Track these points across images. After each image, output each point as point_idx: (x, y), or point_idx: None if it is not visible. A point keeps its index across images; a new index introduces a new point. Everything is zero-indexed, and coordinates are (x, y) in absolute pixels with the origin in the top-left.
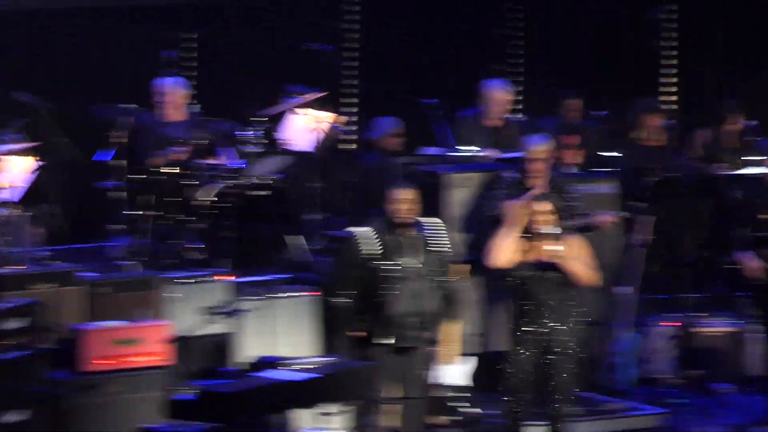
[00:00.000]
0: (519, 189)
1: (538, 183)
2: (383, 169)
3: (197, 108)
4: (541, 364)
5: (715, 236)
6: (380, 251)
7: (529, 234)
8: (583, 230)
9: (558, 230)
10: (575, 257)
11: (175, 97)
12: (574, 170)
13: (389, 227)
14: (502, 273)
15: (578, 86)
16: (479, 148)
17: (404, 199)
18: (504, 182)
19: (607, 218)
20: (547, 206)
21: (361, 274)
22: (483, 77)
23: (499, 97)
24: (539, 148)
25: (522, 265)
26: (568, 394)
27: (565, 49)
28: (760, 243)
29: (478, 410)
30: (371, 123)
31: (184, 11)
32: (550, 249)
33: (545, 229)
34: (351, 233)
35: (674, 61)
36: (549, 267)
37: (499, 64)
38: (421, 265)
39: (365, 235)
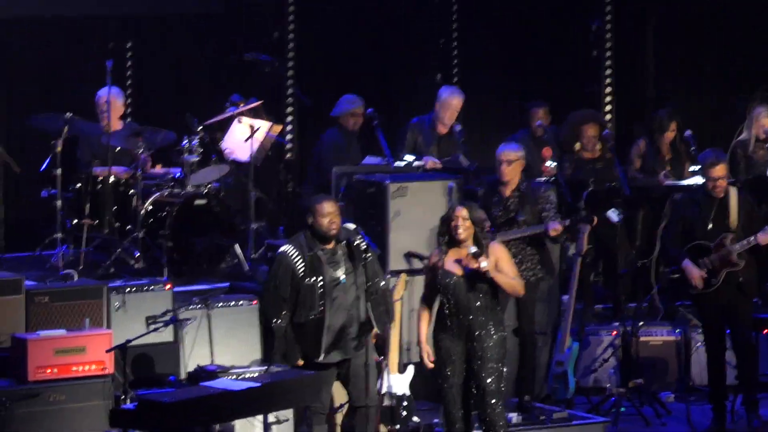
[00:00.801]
0: (489, 197)
1: (508, 189)
2: (338, 146)
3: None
4: (468, 372)
5: (653, 246)
6: (311, 267)
7: (456, 242)
8: (552, 239)
9: (473, 249)
10: (500, 268)
11: (116, 106)
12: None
13: (315, 242)
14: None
15: (512, 97)
16: (419, 157)
17: (330, 212)
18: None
19: (558, 227)
20: (464, 212)
21: (294, 290)
22: (417, 87)
23: (454, 103)
24: (511, 154)
25: (448, 273)
26: (498, 400)
27: (500, 58)
28: (700, 252)
29: (417, 419)
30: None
31: (120, 21)
32: (482, 265)
33: (471, 249)
34: (282, 251)
35: (609, 72)
36: (475, 275)
37: (435, 73)
38: (352, 276)
39: (294, 251)
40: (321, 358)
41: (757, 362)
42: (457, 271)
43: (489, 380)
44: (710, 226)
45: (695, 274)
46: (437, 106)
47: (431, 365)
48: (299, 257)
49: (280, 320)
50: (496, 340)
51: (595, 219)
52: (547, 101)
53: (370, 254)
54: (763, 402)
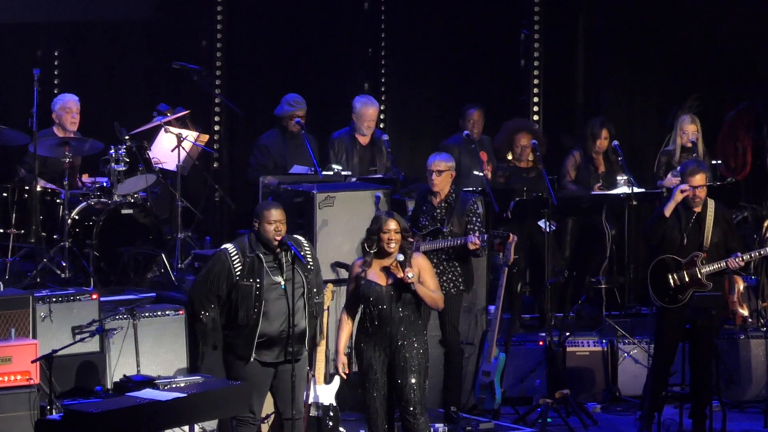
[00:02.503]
0: (420, 205)
1: (437, 199)
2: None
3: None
4: (390, 383)
5: (582, 256)
6: (250, 269)
7: (384, 254)
8: (471, 252)
9: (401, 257)
10: (422, 280)
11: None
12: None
13: (259, 245)
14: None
15: (440, 106)
16: (344, 167)
17: (276, 219)
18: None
19: (476, 241)
20: (394, 225)
21: (228, 290)
22: (345, 96)
23: (369, 112)
24: (441, 164)
25: (372, 283)
26: (422, 410)
27: (428, 67)
28: (672, 266)
29: (343, 430)
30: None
31: (48, 29)
32: (408, 276)
33: (399, 256)
34: (222, 249)
35: (537, 81)
36: (399, 285)
37: (362, 83)
38: (289, 283)
39: (235, 251)
40: (251, 358)
41: (710, 378)
42: (382, 281)
43: (412, 391)
44: (685, 241)
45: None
46: (353, 117)
47: (345, 376)
48: (238, 257)
49: (208, 313)
50: (418, 351)
51: (512, 236)
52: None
53: (312, 265)
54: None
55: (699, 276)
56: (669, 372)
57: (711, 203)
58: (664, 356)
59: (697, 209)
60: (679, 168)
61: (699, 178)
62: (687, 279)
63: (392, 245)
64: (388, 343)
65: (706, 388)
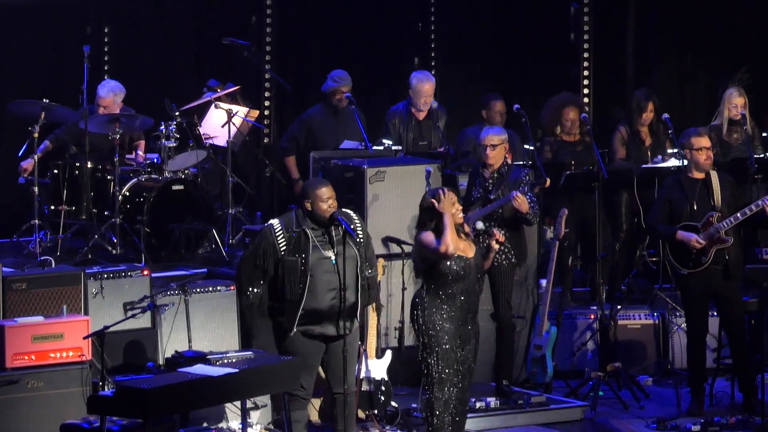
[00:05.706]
0: (473, 179)
1: (489, 171)
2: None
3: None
4: (461, 355)
5: (632, 229)
6: (296, 244)
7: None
8: (524, 219)
9: (480, 224)
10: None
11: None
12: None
13: (306, 220)
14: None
15: (490, 81)
16: (399, 141)
17: (329, 196)
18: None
19: (518, 195)
20: (454, 196)
21: (275, 266)
22: (395, 72)
23: (426, 88)
24: (495, 138)
25: (462, 257)
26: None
27: (476, 42)
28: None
29: (395, 404)
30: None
31: (98, 6)
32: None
33: (478, 224)
34: (268, 225)
35: (587, 54)
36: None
37: (412, 58)
38: (340, 258)
39: (280, 227)
40: (293, 330)
41: (747, 345)
42: (465, 253)
43: (475, 358)
44: (695, 206)
45: (692, 237)
46: (410, 93)
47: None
48: (282, 233)
49: (256, 290)
50: (478, 320)
51: (548, 181)
52: (526, 85)
53: (362, 239)
54: None
55: (719, 233)
56: (704, 342)
57: (713, 171)
58: (695, 326)
59: (708, 167)
60: (681, 136)
61: (704, 140)
62: (707, 239)
63: (460, 215)
64: (466, 315)
65: (744, 358)
